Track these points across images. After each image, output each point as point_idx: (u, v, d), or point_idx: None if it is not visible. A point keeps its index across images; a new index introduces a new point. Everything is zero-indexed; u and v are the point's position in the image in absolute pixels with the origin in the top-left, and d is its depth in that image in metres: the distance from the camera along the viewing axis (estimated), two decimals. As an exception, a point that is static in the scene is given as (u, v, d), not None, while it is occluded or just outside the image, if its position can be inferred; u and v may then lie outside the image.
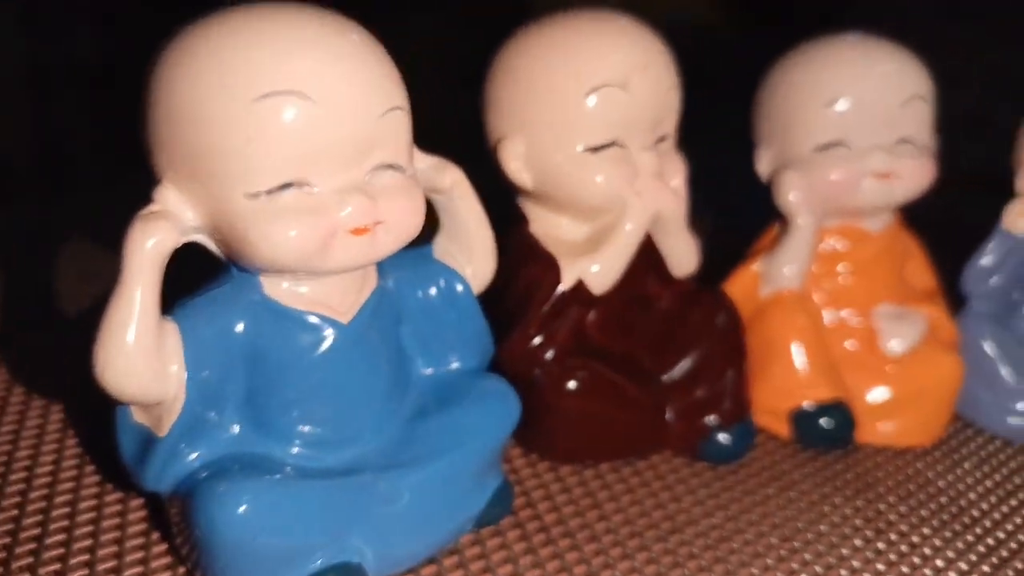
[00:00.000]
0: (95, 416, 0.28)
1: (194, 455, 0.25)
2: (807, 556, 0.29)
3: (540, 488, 0.31)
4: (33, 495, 0.29)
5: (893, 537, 0.31)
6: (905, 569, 0.29)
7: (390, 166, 0.25)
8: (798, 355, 0.35)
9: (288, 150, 0.23)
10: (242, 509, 0.24)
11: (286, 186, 0.23)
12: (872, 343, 0.36)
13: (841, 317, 0.36)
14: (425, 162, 0.28)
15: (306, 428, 0.26)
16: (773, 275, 0.35)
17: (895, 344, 0.36)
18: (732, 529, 0.30)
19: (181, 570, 0.26)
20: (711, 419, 0.33)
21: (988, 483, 0.35)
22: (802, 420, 0.35)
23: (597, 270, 0.31)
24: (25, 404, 0.34)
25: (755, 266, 0.36)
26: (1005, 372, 0.38)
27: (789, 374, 0.35)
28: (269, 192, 0.23)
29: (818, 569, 0.29)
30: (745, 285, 0.36)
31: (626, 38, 0.31)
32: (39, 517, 0.28)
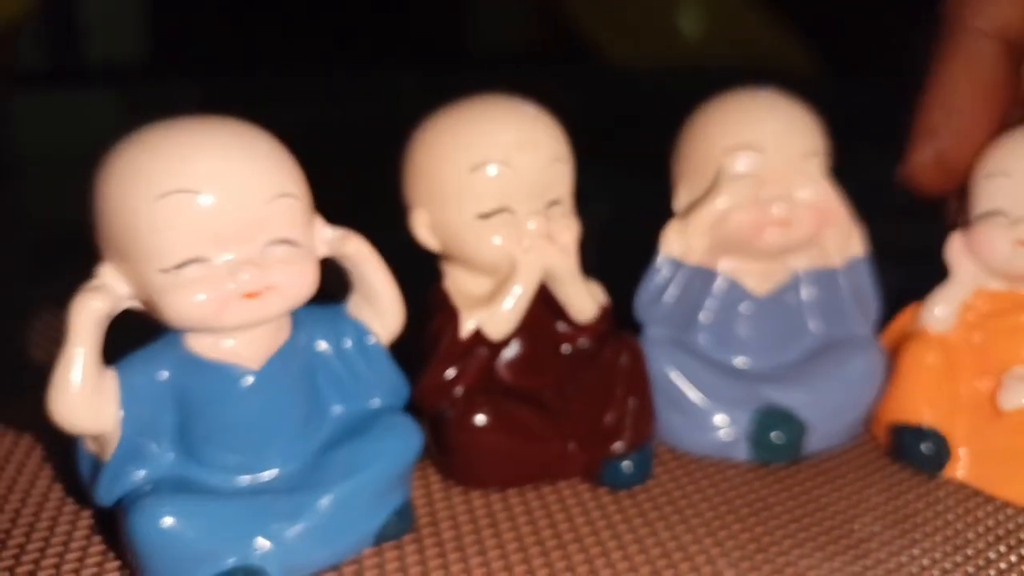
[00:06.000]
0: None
1: (137, 475, 0.31)
2: (684, 572, 0.33)
3: (447, 510, 0.35)
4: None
5: (779, 559, 0.34)
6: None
7: (283, 241, 0.31)
8: (914, 382, 0.39)
9: (186, 235, 0.29)
10: (162, 519, 0.29)
11: (188, 262, 0.29)
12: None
13: (983, 370, 0.40)
14: (331, 233, 0.33)
15: (223, 456, 0.32)
16: (924, 314, 0.40)
17: (1007, 398, 0.38)
18: (614, 547, 0.34)
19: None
20: (611, 448, 0.37)
21: (887, 508, 0.37)
22: (898, 435, 0.40)
23: (489, 321, 0.36)
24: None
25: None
26: (692, 395, 0.39)
27: (902, 395, 0.40)
28: (176, 267, 0.29)
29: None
30: (911, 317, 0.41)
31: (506, 120, 0.36)
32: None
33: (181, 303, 0.29)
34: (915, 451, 0.39)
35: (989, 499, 0.37)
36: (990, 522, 0.36)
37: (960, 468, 0.39)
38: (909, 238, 0.48)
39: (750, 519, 0.36)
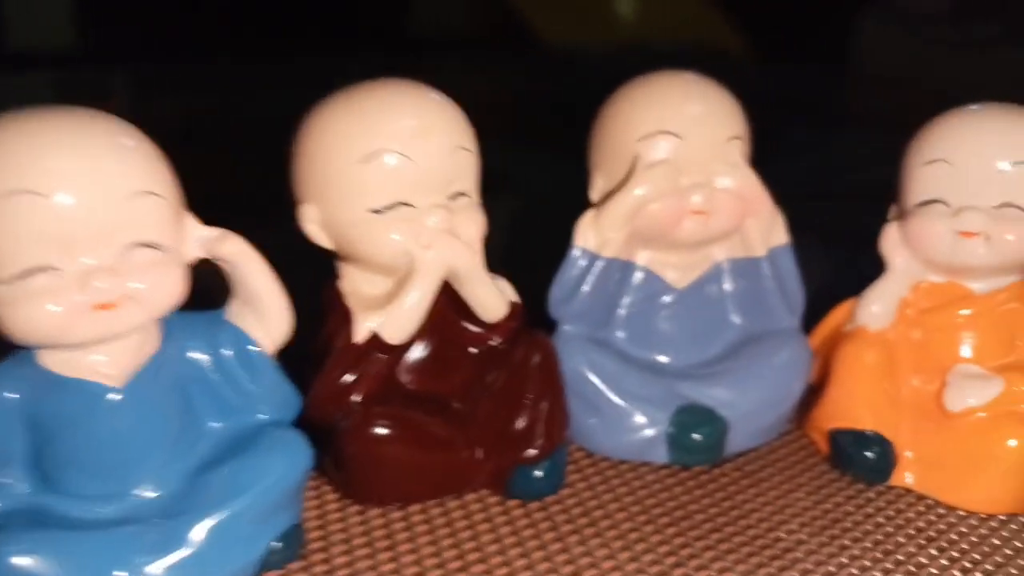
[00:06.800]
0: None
1: (-12, 509, 0.28)
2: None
3: (342, 532, 0.33)
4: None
5: (699, 573, 0.31)
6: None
7: (144, 244, 0.28)
8: (854, 384, 0.37)
9: (29, 241, 0.26)
10: (12, 556, 0.26)
11: (33, 271, 0.26)
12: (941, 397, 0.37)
13: (923, 367, 0.37)
14: (205, 233, 0.30)
15: (83, 484, 0.29)
16: (860, 311, 0.38)
17: (953, 399, 0.36)
18: (522, 566, 0.31)
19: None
20: (522, 455, 0.34)
21: (814, 513, 0.35)
22: (838, 441, 0.37)
23: (386, 324, 0.33)
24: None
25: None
26: (608, 395, 0.37)
27: (841, 399, 0.37)
28: (19, 277, 0.26)
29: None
30: (846, 314, 0.39)
31: (402, 106, 0.33)
32: None
33: (25, 317, 0.26)
34: (859, 458, 0.37)
35: (920, 499, 0.36)
36: (921, 523, 0.34)
37: (906, 475, 0.37)
38: (843, 222, 0.46)
39: (668, 529, 0.33)
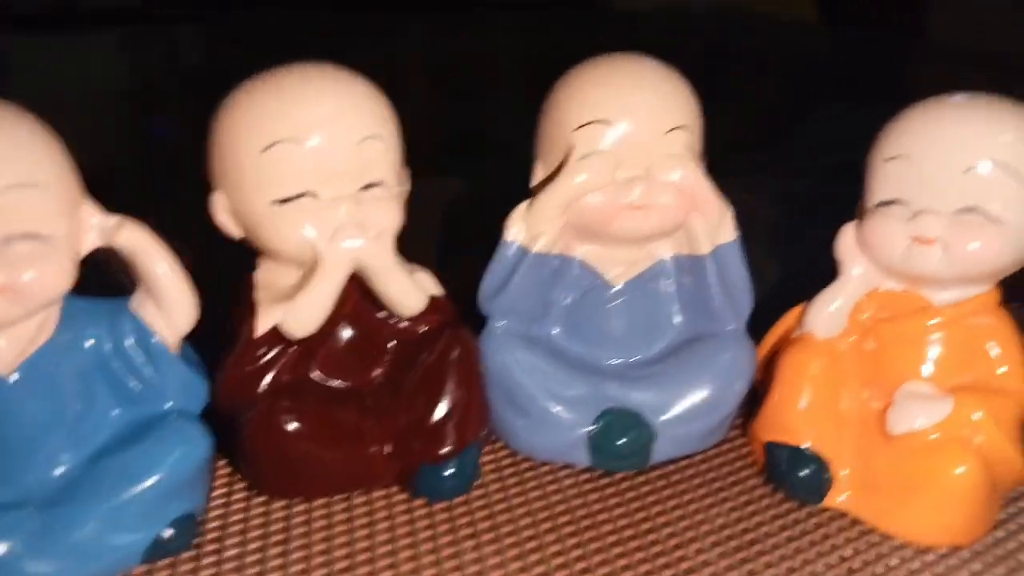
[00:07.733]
0: None
1: None
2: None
3: (242, 522, 0.33)
4: None
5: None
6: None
7: (24, 236, 0.28)
8: (796, 396, 0.35)
9: None
10: None
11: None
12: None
13: (874, 381, 0.35)
14: (101, 221, 0.30)
15: (-28, 469, 0.30)
16: (808, 317, 0.36)
17: (897, 421, 0.33)
18: (409, 570, 0.31)
19: None
20: (431, 453, 0.33)
21: (733, 531, 0.33)
22: (773, 455, 0.35)
23: (288, 318, 0.32)
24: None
25: None
26: (533, 393, 0.35)
27: (780, 410, 0.35)
28: None
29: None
30: (797, 318, 0.37)
31: (306, 94, 0.32)
32: None
33: None
34: (792, 476, 0.34)
35: (853, 524, 0.33)
36: (848, 551, 0.32)
37: (842, 496, 0.34)
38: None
39: (569, 539, 0.32)
